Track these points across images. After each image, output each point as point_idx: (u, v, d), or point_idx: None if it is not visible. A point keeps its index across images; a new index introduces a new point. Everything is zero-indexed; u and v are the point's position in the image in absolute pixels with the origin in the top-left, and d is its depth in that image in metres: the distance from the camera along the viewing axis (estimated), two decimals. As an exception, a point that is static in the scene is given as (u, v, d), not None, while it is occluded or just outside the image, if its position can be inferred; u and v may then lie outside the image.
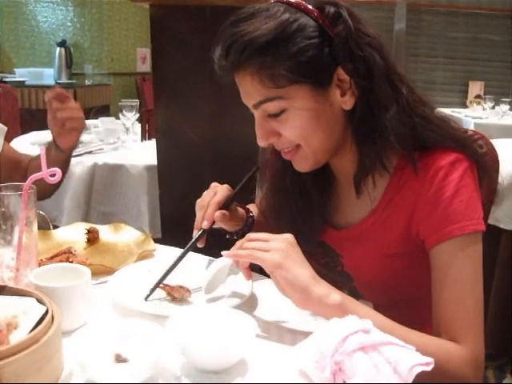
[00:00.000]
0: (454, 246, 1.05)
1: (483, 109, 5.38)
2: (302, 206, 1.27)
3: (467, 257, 1.05)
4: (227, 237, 1.36)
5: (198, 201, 1.28)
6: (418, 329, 1.01)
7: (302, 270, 0.98)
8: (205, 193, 1.29)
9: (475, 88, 6.59)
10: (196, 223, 1.25)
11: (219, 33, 1.07)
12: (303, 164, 1.15)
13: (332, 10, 1.05)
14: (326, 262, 1.27)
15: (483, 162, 1.16)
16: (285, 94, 1.05)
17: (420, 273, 1.12)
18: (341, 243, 1.24)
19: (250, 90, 1.08)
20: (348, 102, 1.08)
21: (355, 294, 1.23)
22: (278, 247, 1.00)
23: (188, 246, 1.22)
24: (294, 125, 1.08)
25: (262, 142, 1.13)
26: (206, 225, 1.22)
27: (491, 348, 2.56)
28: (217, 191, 1.27)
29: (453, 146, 1.09)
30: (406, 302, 1.19)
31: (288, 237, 1.03)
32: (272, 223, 1.33)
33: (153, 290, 1.14)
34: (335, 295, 0.97)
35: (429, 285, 1.09)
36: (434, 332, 1.05)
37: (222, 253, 1.06)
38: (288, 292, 0.98)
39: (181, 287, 1.14)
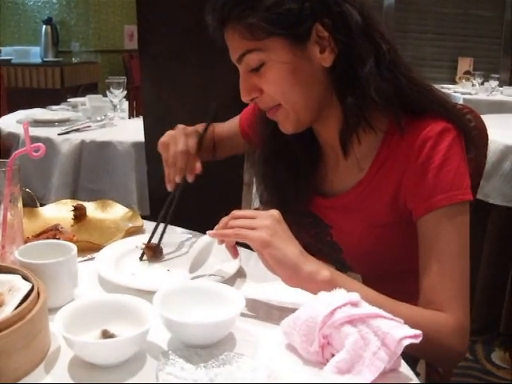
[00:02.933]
0: (441, 216, 1.06)
1: (472, 85, 5.38)
2: (290, 174, 1.26)
3: (454, 227, 1.06)
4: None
5: (172, 148, 1.30)
6: (407, 301, 1.01)
7: (290, 248, 0.97)
8: (174, 139, 1.31)
9: (465, 64, 6.57)
10: (173, 176, 1.28)
11: None
12: (286, 124, 1.15)
13: None
14: (316, 232, 1.27)
15: (472, 135, 1.16)
16: (263, 46, 1.06)
17: (408, 244, 1.12)
18: (329, 213, 1.24)
19: (233, 44, 1.10)
20: (327, 59, 1.08)
21: (344, 266, 1.24)
22: (264, 225, 0.98)
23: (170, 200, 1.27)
24: (272, 78, 1.09)
25: (244, 97, 1.14)
26: (191, 179, 1.27)
27: (479, 322, 2.59)
28: (187, 136, 1.31)
29: (442, 114, 1.09)
30: (395, 274, 1.19)
31: (274, 213, 1.01)
32: (262, 194, 1.33)
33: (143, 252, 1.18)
34: (324, 271, 0.96)
35: (417, 256, 1.09)
36: (421, 302, 1.06)
37: (207, 232, 1.05)
38: (277, 270, 0.97)
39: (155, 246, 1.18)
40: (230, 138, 1.51)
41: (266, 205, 1.32)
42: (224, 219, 1.04)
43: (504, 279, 2.51)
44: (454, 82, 6.21)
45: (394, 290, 1.01)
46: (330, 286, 0.90)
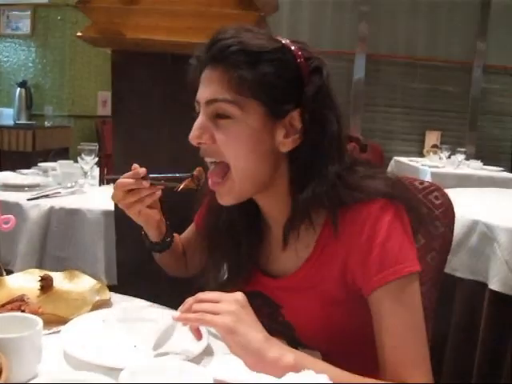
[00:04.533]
0: (391, 291, 1.07)
1: (439, 158, 5.49)
2: (231, 251, 1.27)
3: (405, 299, 1.08)
4: (146, 245, 1.41)
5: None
6: (368, 374, 1.02)
7: (253, 334, 0.97)
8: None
9: (432, 137, 6.74)
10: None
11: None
12: (227, 195, 1.17)
13: (316, 63, 1.13)
14: (268, 312, 1.26)
15: (417, 206, 1.21)
16: (242, 103, 1.08)
17: (362, 319, 1.12)
18: (278, 293, 1.25)
19: (213, 85, 1.10)
20: (287, 145, 1.12)
21: (297, 344, 1.23)
22: (228, 310, 0.98)
23: None
24: (233, 135, 1.10)
25: (194, 138, 1.13)
26: (143, 171, 1.27)
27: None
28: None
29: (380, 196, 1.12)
30: (352, 349, 1.18)
31: (238, 297, 1.01)
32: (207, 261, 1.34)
33: None
34: (289, 356, 0.96)
35: (372, 331, 1.10)
36: (383, 373, 1.06)
37: (172, 317, 1.04)
38: (241, 356, 0.97)
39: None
40: (194, 240, 1.48)
41: (217, 285, 1.33)
42: (189, 301, 1.04)
43: (472, 352, 2.50)
44: (421, 155, 6.35)
45: (352, 365, 1.01)
46: (294, 370, 0.90)
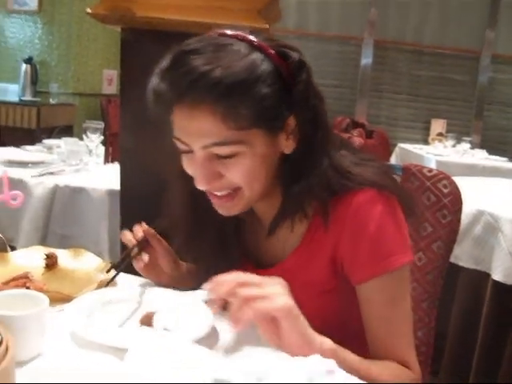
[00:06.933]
0: (381, 283, 1.08)
1: (444, 146, 5.48)
2: (217, 242, 1.25)
3: (394, 291, 1.10)
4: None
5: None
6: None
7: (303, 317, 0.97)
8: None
9: (437, 126, 6.71)
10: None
11: (170, 59, 1.02)
12: (235, 208, 1.12)
13: (296, 58, 1.06)
14: None
15: (411, 199, 1.20)
16: (244, 138, 1.02)
17: (353, 306, 1.13)
18: None
19: (205, 130, 1.00)
20: (290, 147, 1.09)
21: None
22: (281, 292, 0.94)
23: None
24: (243, 169, 1.05)
25: (204, 185, 1.07)
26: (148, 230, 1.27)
27: (451, 376, 2.58)
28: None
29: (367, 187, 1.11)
30: (344, 336, 1.18)
31: (281, 280, 0.98)
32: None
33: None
34: (327, 341, 0.99)
35: (360, 319, 1.13)
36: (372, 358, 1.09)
37: (212, 312, 1.04)
38: (292, 338, 0.95)
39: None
40: None
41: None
42: (224, 281, 0.97)
43: (473, 341, 2.51)
44: (426, 143, 6.33)
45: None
46: (333, 355, 0.91)
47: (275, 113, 1.03)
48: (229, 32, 1.05)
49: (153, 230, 1.30)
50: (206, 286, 0.99)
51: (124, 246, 1.33)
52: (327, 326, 1.17)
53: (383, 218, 1.08)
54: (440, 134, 6.28)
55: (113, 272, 1.31)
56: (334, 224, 1.10)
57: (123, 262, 1.28)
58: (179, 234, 1.29)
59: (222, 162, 1.04)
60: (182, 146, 1.07)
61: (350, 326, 1.16)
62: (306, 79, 1.06)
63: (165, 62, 1.03)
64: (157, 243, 1.30)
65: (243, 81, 0.98)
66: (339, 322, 1.16)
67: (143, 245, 1.29)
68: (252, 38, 1.04)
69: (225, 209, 1.13)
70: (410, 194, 1.24)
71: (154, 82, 1.04)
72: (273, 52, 1.04)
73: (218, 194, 1.10)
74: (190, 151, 1.06)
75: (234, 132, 1.00)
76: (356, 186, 1.09)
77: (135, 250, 1.28)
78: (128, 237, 1.30)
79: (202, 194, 1.13)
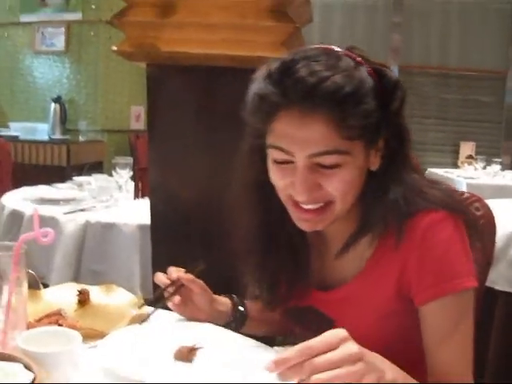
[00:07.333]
0: (445, 305, 1.06)
1: (475, 169, 5.43)
2: (287, 265, 1.23)
3: (458, 314, 1.07)
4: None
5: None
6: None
7: (385, 364, 0.92)
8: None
9: (466, 148, 6.65)
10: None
11: (280, 65, 1.02)
12: (322, 223, 1.11)
13: (392, 76, 1.09)
14: (318, 328, 1.23)
15: (476, 224, 1.19)
16: (350, 149, 1.02)
17: (416, 330, 1.11)
18: (331, 306, 1.21)
19: (316, 138, 1.00)
20: (376, 163, 1.10)
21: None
22: (356, 352, 0.84)
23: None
24: (344, 180, 1.04)
25: (305, 196, 1.04)
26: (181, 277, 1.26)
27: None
28: None
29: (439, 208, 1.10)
30: (404, 360, 1.16)
31: (343, 333, 0.86)
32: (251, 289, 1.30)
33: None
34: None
35: (419, 347, 1.10)
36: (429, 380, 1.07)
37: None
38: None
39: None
40: None
41: (255, 300, 1.30)
42: (290, 356, 0.81)
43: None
44: (456, 167, 6.28)
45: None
46: None
47: (376, 127, 1.04)
48: (335, 48, 1.08)
49: (190, 275, 1.28)
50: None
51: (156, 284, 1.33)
52: (386, 351, 1.15)
53: (453, 239, 1.07)
54: (469, 157, 6.22)
55: (145, 308, 1.31)
56: (402, 244, 1.09)
57: (157, 302, 1.27)
58: (249, 257, 1.26)
59: (324, 172, 1.04)
60: (280, 156, 1.05)
61: (409, 350, 1.13)
62: (402, 98, 1.08)
63: (273, 69, 1.03)
64: (193, 285, 1.28)
65: (359, 90, 1.00)
66: (399, 346, 1.14)
67: (178, 285, 1.28)
68: (354, 55, 1.07)
69: (311, 223, 1.11)
70: (475, 218, 1.22)
71: (260, 87, 1.04)
72: (370, 69, 1.06)
73: (311, 207, 1.08)
74: (289, 161, 1.05)
75: (344, 142, 1.01)
76: (428, 206, 1.09)
77: (169, 289, 1.27)
78: (161, 278, 1.29)
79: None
